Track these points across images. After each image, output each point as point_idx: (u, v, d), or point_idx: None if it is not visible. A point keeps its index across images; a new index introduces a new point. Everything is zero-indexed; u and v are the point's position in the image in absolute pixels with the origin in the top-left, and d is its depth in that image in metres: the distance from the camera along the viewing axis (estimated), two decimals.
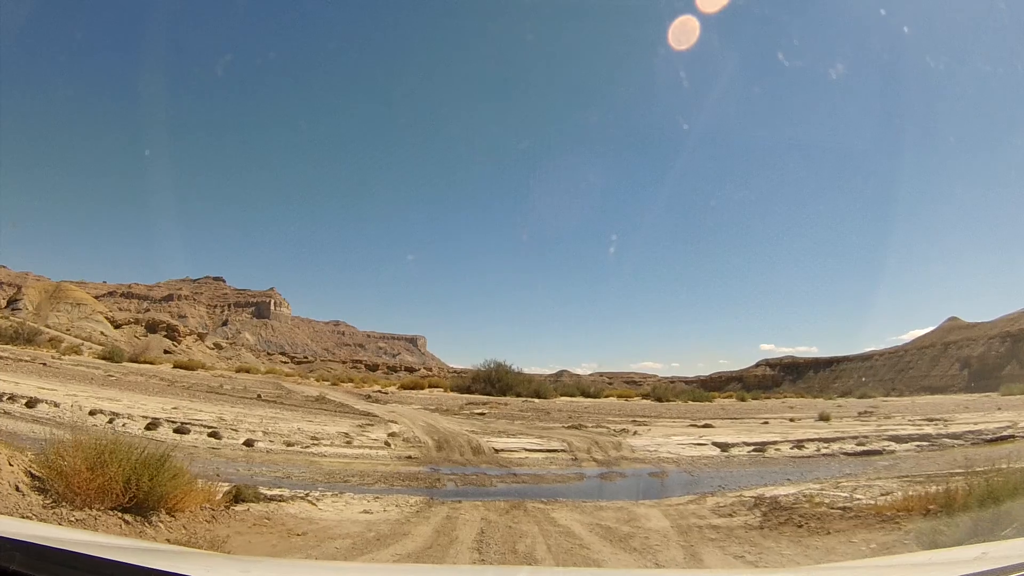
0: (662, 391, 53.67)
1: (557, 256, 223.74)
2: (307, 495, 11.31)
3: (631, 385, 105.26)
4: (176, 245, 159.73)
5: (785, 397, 68.03)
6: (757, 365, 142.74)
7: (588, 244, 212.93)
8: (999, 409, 34.78)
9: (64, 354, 49.19)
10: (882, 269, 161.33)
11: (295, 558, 7.60)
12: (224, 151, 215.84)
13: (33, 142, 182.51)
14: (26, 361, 34.66)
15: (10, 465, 7.47)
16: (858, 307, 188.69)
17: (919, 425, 26.37)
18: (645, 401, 48.57)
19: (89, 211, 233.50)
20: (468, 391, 47.30)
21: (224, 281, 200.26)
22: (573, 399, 47.06)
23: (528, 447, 19.50)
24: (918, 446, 21.53)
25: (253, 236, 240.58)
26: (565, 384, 67.18)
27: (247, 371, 63.01)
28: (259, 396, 31.04)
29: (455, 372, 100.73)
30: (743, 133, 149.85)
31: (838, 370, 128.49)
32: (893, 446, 21.40)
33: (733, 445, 21.02)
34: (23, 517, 6.47)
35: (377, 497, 12.08)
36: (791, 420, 30.46)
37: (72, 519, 6.95)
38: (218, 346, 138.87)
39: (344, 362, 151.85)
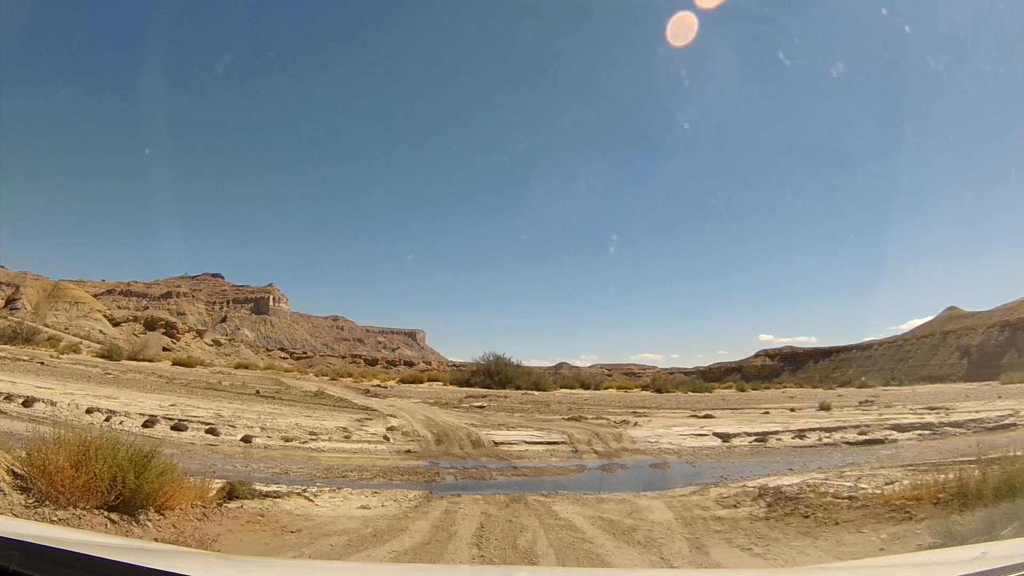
0: (662, 382, 53.70)
1: (555, 249, 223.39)
2: (304, 491, 11.17)
3: (630, 377, 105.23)
4: (175, 243, 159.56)
5: (785, 387, 67.92)
6: (756, 356, 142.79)
7: (586, 237, 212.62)
8: (1000, 398, 34.78)
9: (63, 353, 49.05)
10: (881, 259, 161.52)
11: (290, 557, 7.45)
12: (223, 149, 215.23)
13: (31, 141, 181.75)
14: (24, 360, 34.49)
15: None
16: (857, 297, 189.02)
17: (920, 414, 26.30)
18: (645, 392, 48.50)
19: (87, 210, 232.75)
20: (467, 384, 47.23)
21: (223, 278, 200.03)
22: (573, 391, 46.99)
23: (528, 440, 19.37)
24: (920, 435, 21.45)
25: (252, 233, 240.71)
26: (564, 376, 67.15)
27: (246, 367, 63.01)
28: (257, 392, 30.90)
29: (454, 366, 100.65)
30: (742, 129, 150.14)
31: (837, 360, 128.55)
32: (895, 435, 21.31)
33: (734, 435, 20.89)
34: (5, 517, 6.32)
35: (375, 492, 11.93)
36: (792, 410, 30.35)
37: (55, 518, 6.75)
38: (217, 343, 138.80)
39: (343, 357, 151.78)
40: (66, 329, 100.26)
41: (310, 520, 9.36)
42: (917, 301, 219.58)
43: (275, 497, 10.33)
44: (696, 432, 21.45)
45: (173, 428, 17.69)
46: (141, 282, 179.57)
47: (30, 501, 6.93)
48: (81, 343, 71.38)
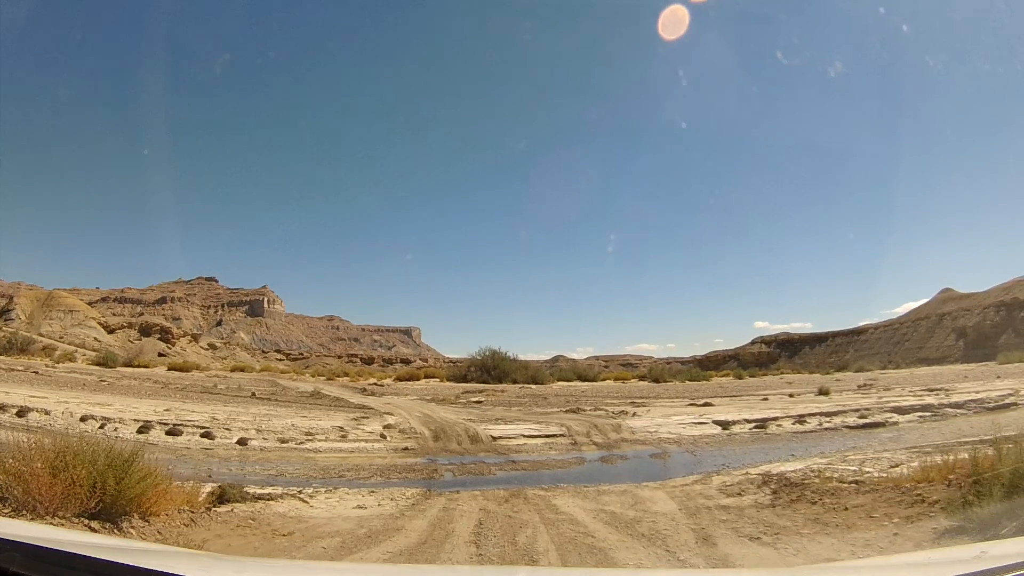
0: (659, 372, 53.73)
1: (550, 244, 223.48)
2: (299, 492, 10.96)
3: (627, 367, 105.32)
4: (168, 247, 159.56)
5: (782, 373, 67.91)
6: (752, 343, 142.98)
7: (581, 231, 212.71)
8: (998, 378, 34.86)
9: (58, 362, 48.88)
10: (875, 243, 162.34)
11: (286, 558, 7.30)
12: (214, 150, 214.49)
13: (25, 150, 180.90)
14: (19, 371, 34.30)
15: None
16: (852, 282, 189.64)
17: (920, 396, 26.31)
18: (642, 383, 48.53)
19: (80, 217, 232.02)
20: (464, 380, 47.22)
21: (217, 281, 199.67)
22: (570, 384, 46.98)
23: (526, 433, 19.22)
24: (920, 417, 21.40)
25: (245, 235, 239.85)
26: (561, 369, 67.27)
27: (242, 370, 62.76)
28: (253, 394, 30.72)
29: (451, 362, 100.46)
30: (738, 125, 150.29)
31: (833, 345, 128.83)
32: (895, 417, 21.25)
33: (734, 423, 20.79)
34: None
35: (372, 491, 11.72)
36: (790, 396, 30.33)
37: None
38: (212, 346, 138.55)
39: (340, 357, 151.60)
40: (61, 338, 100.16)
41: (303, 522, 9.13)
42: (912, 284, 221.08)
43: (268, 499, 10.10)
44: (695, 420, 21.33)
45: (168, 433, 17.49)
46: (135, 288, 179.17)
47: (6, 510, 6.67)
48: (76, 351, 71.36)
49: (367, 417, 22.18)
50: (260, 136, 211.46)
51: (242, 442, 17.03)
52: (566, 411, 24.84)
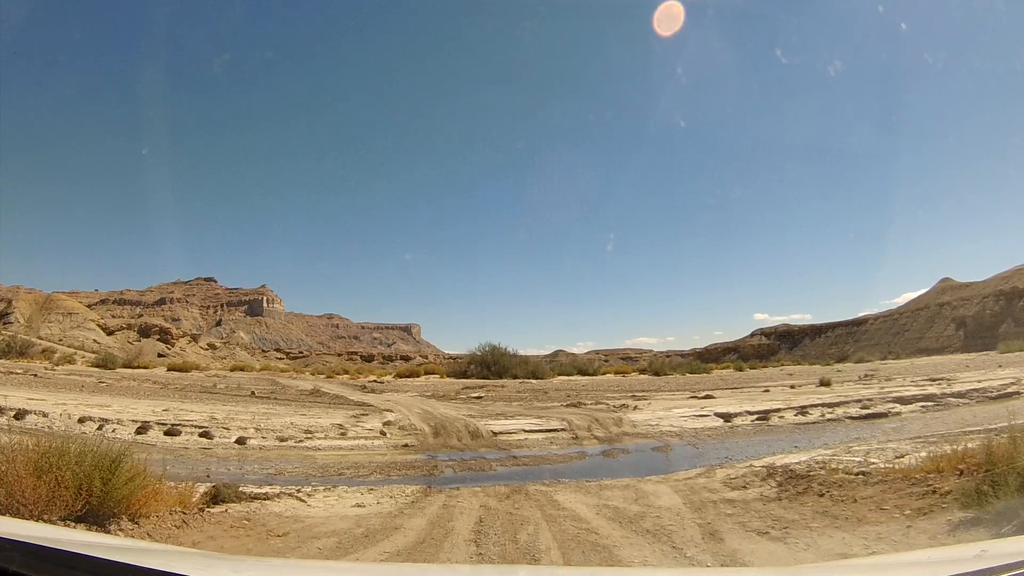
0: (659, 365, 53.56)
1: (549, 240, 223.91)
2: (298, 491, 10.80)
3: (627, 361, 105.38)
4: (167, 248, 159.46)
5: (782, 365, 67.96)
6: (752, 335, 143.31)
7: (580, 227, 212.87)
8: (1000, 367, 34.93)
9: (57, 364, 48.69)
10: (873, 234, 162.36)
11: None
12: (213, 150, 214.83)
13: (24, 150, 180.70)
14: (18, 374, 34.12)
15: None
16: (851, 273, 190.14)
17: (922, 386, 26.27)
18: (643, 376, 48.42)
19: (78, 219, 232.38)
20: (464, 376, 47.13)
21: (216, 281, 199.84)
22: (570, 378, 46.85)
23: (527, 428, 19.10)
24: (923, 406, 21.37)
25: (243, 234, 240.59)
26: (561, 364, 67.12)
27: (241, 369, 62.72)
28: (252, 393, 30.56)
29: (451, 358, 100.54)
30: (735, 120, 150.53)
31: (833, 336, 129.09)
32: (898, 408, 21.19)
33: (736, 415, 20.69)
34: None
35: (371, 489, 11.55)
36: (792, 387, 30.27)
37: None
38: (212, 346, 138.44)
39: (339, 354, 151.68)
40: (60, 340, 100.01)
41: (300, 522, 8.94)
42: (911, 274, 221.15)
43: (264, 499, 9.90)
44: (697, 413, 21.23)
45: (166, 433, 17.38)
46: (134, 290, 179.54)
47: None
48: (76, 354, 71.11)
49: (367, 414, 22.06)
50: (258, 135, 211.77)
51: (241, 441, 16.90)
52: (567, 405, 24.73)
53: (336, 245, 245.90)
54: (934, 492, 7.99)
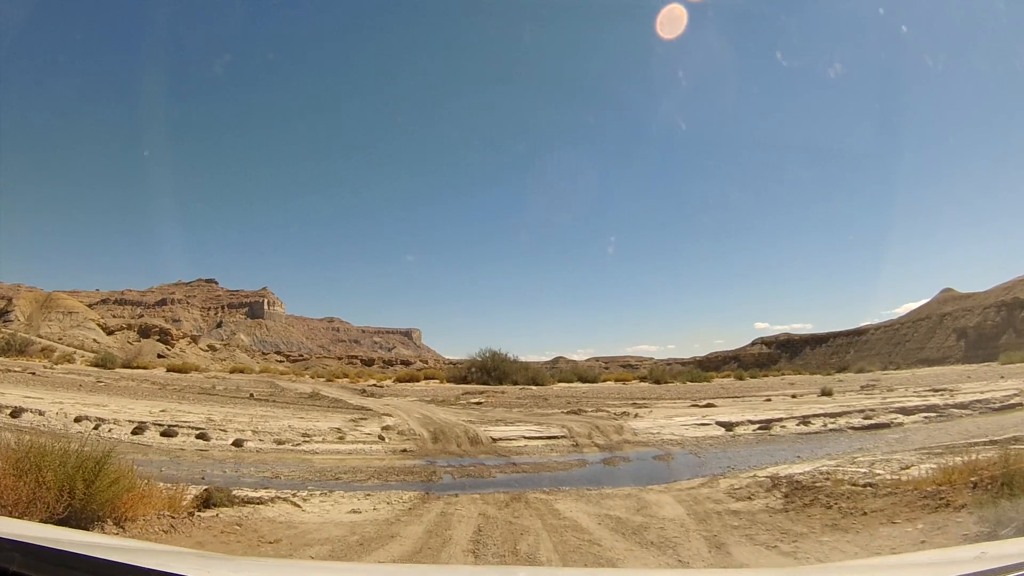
0: (660, 373, 53.47)
1: (550, 245, 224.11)
2: (293, 495, 10.60)
3: (627, 369, 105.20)
4: (168, 249, 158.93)
5: (783, 374, 67.75)
6: (753, 344, 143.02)
7: (581, 233, 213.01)
8: (1002, 378, 34.75)
9: (56, 363, 48.65)
10: (874, 244, 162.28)
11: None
12: (214, 152, 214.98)
13: (22, 150, 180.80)
14: (16, 372, 34.13)
15: None
16: (852, 282, 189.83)
17: (924, 396, 26.12)
18: (643, 384, 48.29)
19: (80, 219, 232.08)
20: (464, 381, 46.92)
21: (217, 283, 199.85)
22: (571, 385, 46.69)
23: (527, 435, 18.93)
24: (926, 417, 21.22)
25: (245, 236, 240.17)
26: (562, 370, 67.02)
27: (241, 371, 62.54)
28: (251, 395, 30.46)
29: (451, 363, 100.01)
30: (736, 123, 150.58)
31: (834, 345, 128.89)
32: (901, 418, 21.04)
33: (737, 424, 20.53)
34: None
35: (368, 494, 11.35)
36: (793, 396, 30.12)
37: None
38: (212, 348, 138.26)
39: (340, 358, 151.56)
40: (60, 339, 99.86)
41: (293, 528, 8.73)
42: (912, 284, 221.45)
43: (257, 503, 9.70)
44: (698, 422, 21.05)
45: (163, 434, 17.31)
46: (135, 290, 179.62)
47: None
48: (75, 353, 71.06)
49: (365, 418, 21.92)
50: (260, 137, 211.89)
51: (238, 443, 16.79)
52: (567, 412, 24.55)
53: (337, 248, 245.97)
54: (947, 505, 7.81)
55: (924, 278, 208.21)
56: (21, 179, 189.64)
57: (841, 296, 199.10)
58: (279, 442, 17.17)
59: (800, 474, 11.60)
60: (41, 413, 18.36)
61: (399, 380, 52.41)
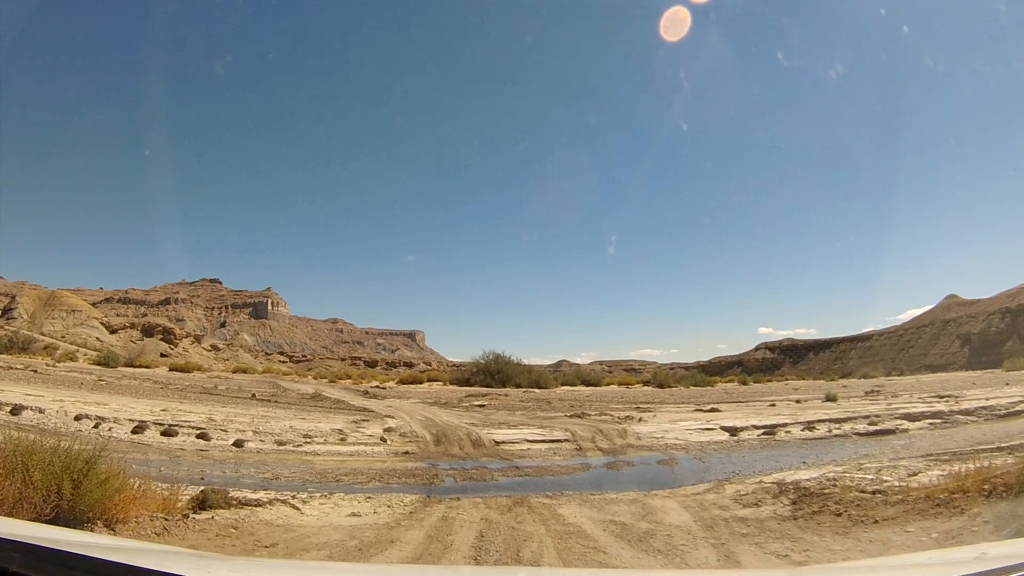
0: (663, 377, 53.23)
1: (553, 248, 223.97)
2: (293, 497, 10.46)
3: (631, 372, 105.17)
4: (172, 248, 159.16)
5: (787, 379, 67.56)
6: (756, 348, 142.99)
7: (584, 235, 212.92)
8: (1007, 384, 34.64)
9: (59, 361, 48.72)
10: (879, 250, 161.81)
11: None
12: (219, 152, 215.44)
13: (28, 150, 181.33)
14: (18, 369, 34.22)
15: None
16: (856, 288, 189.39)
17: (929, 402, 25.93)
18: (647, 388, 48.10)
19: (84, 219, 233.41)
20: (467, 383, 46.78)
21: (221, 283, 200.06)
22: (574, 388, 46.52)
23: (530, 438, 18.80)
24: (931, 423, 21.07)
25: (249, 237, 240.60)
26: (565, 373, 66.79)
27: (243, 371, 62.46)
28: (253, 395, 30.44)
29: (454, 365, 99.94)
30: (739, 127, 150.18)
31: (838, 351, 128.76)
32: (906, 424, 20.90)
33: (742, 429, 20.36)
34: None
35: (369, 497, 11.20)
36: (797, 401, 29.97)
37: None
38: (215, 347, 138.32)
39: (343, 359, 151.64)
40: (63, 337, 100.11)
41: (291, 531, 8.58)
42: (916, 290, 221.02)
43: (255, 506, 9.53)
44: (703, 426, 20.91)
45: (163, 434, 17.24)
46: (139, 289, 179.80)
47: None
48: (78, 351, 71.23)
49: (367, 420, 21.86)
50: (264, 138, 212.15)
51: (238, 444, 16.70)
52: (570, 416, 24.43)
53: (341, 249, 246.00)
54: (961, 513, 7.66)
55: (928, 284, 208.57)
56: (27, 178, 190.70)
57: (845, 302, 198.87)
58: (280, 443, 17.07)
59: (807, 480, 11.46)
60: (41, 411, 18.33)
61: (402, 382, 52.28)
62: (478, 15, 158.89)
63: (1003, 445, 14.86)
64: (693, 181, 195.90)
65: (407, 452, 17.15)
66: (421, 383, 50.71)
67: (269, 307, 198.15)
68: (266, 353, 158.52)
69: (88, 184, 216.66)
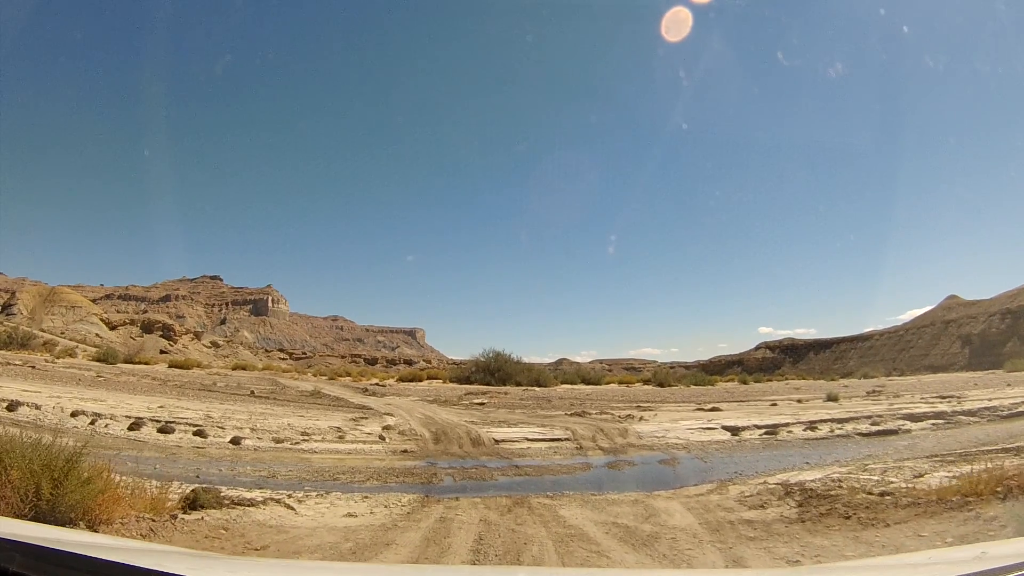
0: (663, 376, 53.11)
1: (553, 246, 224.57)
2: (289, 496, 10.25)
3: (631, 371, 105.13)
4: (173, 245, 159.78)
5: (787, 379, 67.48)
6: (757, 348, 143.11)
7: (584, 234, 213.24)
8: (1008, 385, 34.64)
9: (58, 357, 48.55)
10: (879, 250, 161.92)
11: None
12: (220, 151, 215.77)
13: (29, 146, 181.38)
14: (16, 364, 34.03)
15: None
16: (856, 288, 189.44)
17: (932, 403, 25.87)
18: (647, 386, 47.97)
19: (84, 215, 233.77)
20: (467, 381, 46.61)
21: (221, 280, 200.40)
22: (574, 386, 46.41)
23: (530, 437, 18.63)
24: (934, 424, 20.96)
25: (249, 234, 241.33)
26: (565, 372, 66.69)
27: (243, 368, 62.46)
28: (252, 392, 30.31)
29: (454, 363, 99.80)
30: (739, 127, 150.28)
31: (838, 351, 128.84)
32: (908, 425, 20.77)
33: (744, 428, 20.21)
34: None
35: (366, 496, 10.97)
36: (799, 401, 29.82)
37: None
38: (215, 344, 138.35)
39: (343, 357, 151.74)
40: (62, 333, 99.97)
41: (283, 533, 8.36)
42: (917, 291, 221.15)
43: (248, 506, 9.29)
44: (704, 426, 20.74)
45: (160, 430, 17.06)
46: (139, 286, 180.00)
47: None
48: (77, 347, 71.03)
49: (366, 418, 21.72)
50: (264, 137, 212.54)
51: (235, 441, 16.54)
52: (571, 414, 24.28)
53: (342, 247, 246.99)
54: (977, 517, 7.45)
55: (929, 285, 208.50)
56: (28, 176, 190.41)
57: (845, 302, 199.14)
58: (277, 440, 16.92)
59: (811, 481, 11.27)
60: (37, 407, 18.21)
61: (402, 379, 52.20)
62: (478, 15, 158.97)
63: (1009, 446, 14.71)
64: (694, 181, 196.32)
65: (406, 450, 16.99)
66: (421, 381, 50.60)
67: (269, 304, 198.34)
68: (266, 350, 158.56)
69: (89, 182, 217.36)
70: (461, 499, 11.16)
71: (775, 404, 28.64)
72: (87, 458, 7.16)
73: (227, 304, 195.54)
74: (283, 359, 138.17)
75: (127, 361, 52.95)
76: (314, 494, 10.89)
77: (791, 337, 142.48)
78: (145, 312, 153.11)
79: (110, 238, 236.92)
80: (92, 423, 17.16)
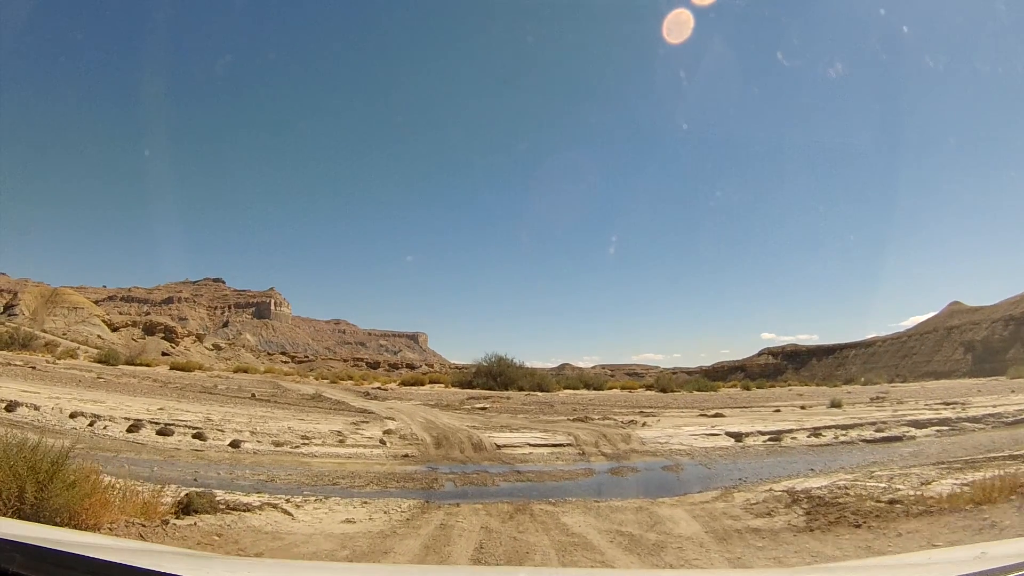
0: (666, 382, 53.05)
1: (556, 250, 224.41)
2: (287, 500, 10.09)
3: (633, 377, 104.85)
4: (176, 247, 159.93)
5: (789, 385, 67.22)
6: (759, 354, 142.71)
7: (586, 238, 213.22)
8: (1012, 392, 34.48)
9: (59, 358, 48.58)
10: (882, 256, 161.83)
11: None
12: (223, 152, 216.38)
13: (31, 148, 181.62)
14: (17, 365, 34.04)
15: None
16: (859, 294, 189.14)
17: (936, 409, 25.71)
18: (650, 392, 47.89)
19: (87, 217, 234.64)
20: (469, 386, 46.47)
21: (224, 282, 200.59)
22: (576, 391, 46.29)
23: (532, 442, 18.50)
24: (938, 431, 20.81)
25: (253, 237, 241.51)
26: (568, 377, 66.50)
27: (245, 371, 62.34)
28: (253, 395, 30.27)
29: (457, 368, 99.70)
30: (741, 129, 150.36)
31: (841, 357, 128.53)
32: (913, 431, 20.60)
33: (747, 435, 20.07)
34: None
35: (365, 502, 10.80)
36: (802, 408, 29.64)
37: None
38: (217, 347, 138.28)
39: (345, 360, 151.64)
40: (64, 334, 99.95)
41: (279, 539, 8.17)
42: (920, 297, 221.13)
43: (243, 510, 9.10)
44: (708, 432, 20.60)
45: (159, 433, 16.99)
46: (142, 288, 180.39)
47: None
48: (79, 348, 71.10)
49: (367, 422, 21.62)
50: (265, 138, 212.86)
51: (235, 444, 16.43)
52: (573, 420, 24.15)
53: (344, 250, 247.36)
54: (993, 526, 7.29)
55: (932, 291, 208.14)
56: (30, 177, 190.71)
57: (847, 307, 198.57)
58: (277, 444, 16.81)
59: (818, 488, 11.09)
60: (36, 408, 18.19)
61: (404, 383, 52.07)
62: (479, 16, 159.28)
63: (1016, 453, 14.61)
64: (695, 181, 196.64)
65: (407, 455, 16.85)
66: (423, 385, 50.48)
67: (272, 307, 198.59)
68: (268, 353, 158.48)
69: (90, 182, 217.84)
70: (462, 505, 11.00)
71: (778, 410, 28.49)
72: (77, 460, 7.03)
73: (230, 307, 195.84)
74: (285, 362, 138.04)
75: (128, 363, 53.03)
76: (312, 499, 10.73)
77: (794, 343, 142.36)
78: (147, 314, 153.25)
79: (112, 239, 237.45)
80: (91, 425, 17.13)
